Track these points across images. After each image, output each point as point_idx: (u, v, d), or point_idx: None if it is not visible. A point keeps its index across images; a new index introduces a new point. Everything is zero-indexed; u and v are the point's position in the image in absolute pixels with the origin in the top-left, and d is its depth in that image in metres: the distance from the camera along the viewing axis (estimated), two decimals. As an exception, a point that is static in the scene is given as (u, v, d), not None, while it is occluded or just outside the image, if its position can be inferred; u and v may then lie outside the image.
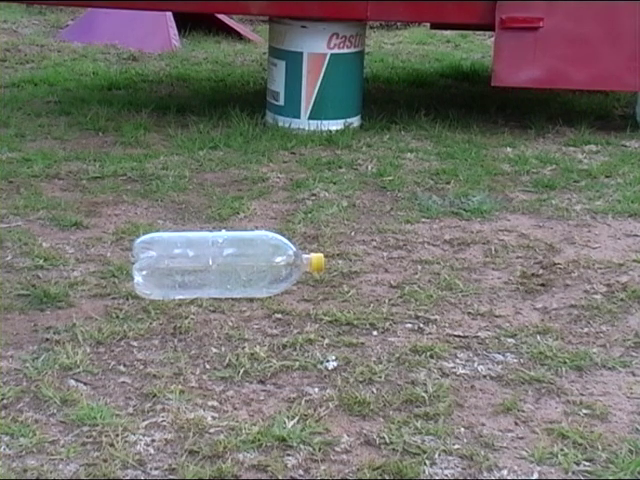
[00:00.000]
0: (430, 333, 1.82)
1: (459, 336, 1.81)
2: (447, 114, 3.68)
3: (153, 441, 1.43)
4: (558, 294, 2.04)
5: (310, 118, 3.25)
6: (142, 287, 1.93)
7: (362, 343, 1.77)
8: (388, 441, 1.44)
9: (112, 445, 1.40)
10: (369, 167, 2.96)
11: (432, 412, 1.52)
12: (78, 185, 2.72)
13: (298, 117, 3.26)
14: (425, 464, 1.39)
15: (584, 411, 1.55)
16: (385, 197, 2.70)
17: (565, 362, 1.71)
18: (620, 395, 1.61)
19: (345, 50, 3.25)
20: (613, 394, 1.61)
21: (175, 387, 1.58)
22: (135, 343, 1.75)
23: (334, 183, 2.73)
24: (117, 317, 1.84)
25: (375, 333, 1.82)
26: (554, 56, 3.36)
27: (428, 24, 5.44)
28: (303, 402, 1.55)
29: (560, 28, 3.34)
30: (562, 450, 1.43)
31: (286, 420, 1.48)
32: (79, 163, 2.96)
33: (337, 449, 1.42)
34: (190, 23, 6.34)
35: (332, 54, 3.23)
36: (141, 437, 1.43)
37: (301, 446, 1.42)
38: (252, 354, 1.70)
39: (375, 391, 1.59)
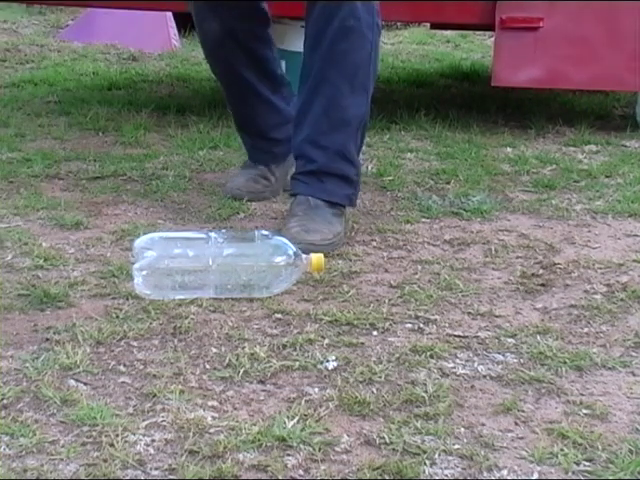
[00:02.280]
0: (430, 333, 1.82)
1: (459, 336, 1.81)
2: (447, 114, 3.68)
3: (153, 441, 1.43)
4: (558, 294, 2.04)
5: (310, 118, 3.25)
6: (142, 287, 1.93)
7: (362, 343, 1.78)
8: (388, 441, 1.44)
9: (112, 445, 1.40)
10: (369, 167, 2.96)
11: (432, 412, 1.52)
12: (78, 185, 2.72)
13: (298, 117, 3.26)
14: (425, 464, 1.39)
15: (584, 411, 1.55)
16: (385, 197, 2.70)
17: (565, 362, 1.71)
18: (620, 395, 1.61)
19: (345, 50, 3.25)
20: (613, 394, 1.61)
21: (175, 387, 1.58)
22: (135, 343, 1.75)
23: (334, 183, 2.73)
24: (117, 317, 1.84)
25: (375, 333, 1.82)
26: (554, 56, 3.37)
27: (428, 24, 5.44)
28: (303, 402, 1.55)
29: (560, 28, 3.34)
30: (562, 450, 1.43)
31: (286, 420, 1.48)
32: (79, 163, 2.96)
33: (337, 449, 1.42)
34: (190, 23, 6.34)
35: (332, 54, 3.22)
36: (141, 437, 1.43)
37: (301, 446, 1.42)
38: (252, 354, 1.70)
39: (375, 391, 1.59)
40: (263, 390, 1.59)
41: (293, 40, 3.25)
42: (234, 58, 2.54)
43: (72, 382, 1.59)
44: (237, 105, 2.67)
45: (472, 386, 1.62)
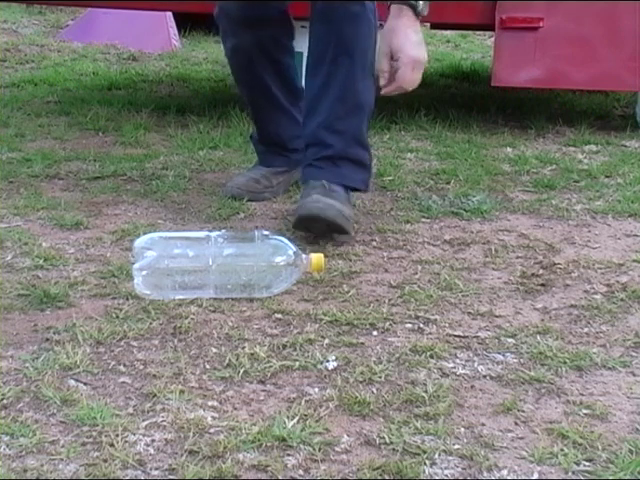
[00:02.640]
0: (430, 333, 1.82)
1: (459, 336, 1.81)
2: (447, 114, 3.68)
3: (153, 441, 1.43)
4: (558, 294, 2.04)
5: (310, 118, 3.24)
6: (142, 287, 1.93)
7: (362, 343, 1.78)
8: (388, 441, 1.44)
9: (112, 445, 1.40)
10: (369, 167, 2.96)
11: (432, 412, 1.52)
12: (78, 185, 2.72)
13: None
14: (425, 464, 1.39)
15: (584, 411, 1.55)
16: (385, 197, 2.70)
17: (565, 362, 1.71)
18: (620, 395, 1.61)
19: (345, 50, 3.25)
20: (613, 394, 1.61)
21: (175, 387, 1.58)
22: (135, 343, 1.75)
23: (334, 183, 2.72)
24: (117, 317, 1.84)
25: (375, 333, 1.82)
26: (554, 56, 3.37)
27: (428, 24, 5.44)
28: (303, 402, 1.55)
29: (560, 28, 3.34)
30: (562, 450, 1.43)
31: (286, 420, 1.48)
32: (79, 163, 2.96)
33: (337, 449, 1.42)
34: (190, 23, 6.34)
35: (332, 54, 3.22)
36: (141, 437, 1.43)
37: (301, 446, 1.42)
38: (252, 354, 1.70)
39: (375, 391, 1.59)
40: (263, 390, 1.59)
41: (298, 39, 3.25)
42: (262, 69, 2.57)
43: (72, 382, 1.59)
44: (259, 114, 2.69)
45: (472, 386, 1.62)
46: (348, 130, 2.34)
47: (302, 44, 3.23)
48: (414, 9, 2.14)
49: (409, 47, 2.14)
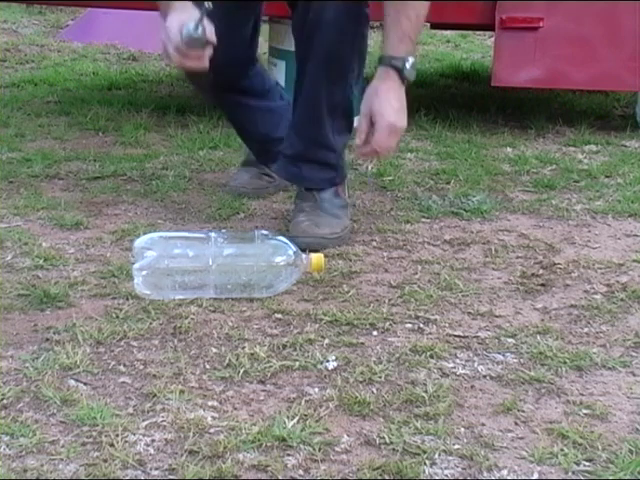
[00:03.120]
0: (430, 333, 1.82)
1: (459, 336, 1.81)
2: (447, 114, 3.68)
3: (153, 441, 1.43)
4: (558, 294, 2.04)
5: (310, 118, 3.24)
6: (142, 287, 1.93)
7: (362, 343, 1.78)
8: (388, 441, 1.44)
9: (112, 445, 1.40)
10: (369, 167, 2.96)
11: (432, 412, 1.52)
12: (78, 185, 2.72)
13: (298, 117, 3.25)
14: (425, 464, 1.39)
15: (584, 411, 1.55)
16: (385, 197, 2.70)
17: (565, 362, 1.71)
18: (620, 395, 1.61)
19: (345, 50, 3.24)
20: (613, 394, 1.61)
21: (175, 387, 1.58)
22: (135, 343, 1.75)
23: (334, 183, 2.72)
24: (117, 317, 1.84)
25: (375, 333, 1.82)
26: (554, 56, 3.37)
27: (428, 24, 5.44)
28: (303, 402, 1.55)
29: (560, 28, 3.34)
30: (562, 450, 1.43)
31: (286, 420, 1.48)
32: (79, 163, 2.96)
33: (337, 449, 1.42)
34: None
35: (332, 54, 3.22)
36: (141, 437, 1.43)
37: (301, 446, 1.42)
38: (252, 354, 1.70)
39: (375, 391, 1.59)
40: (263, 390, 1.59)
41: (293, 40, 3.25)
42: (228, 97, 2.58)
43: (72, 382, 1.59)
44: (236, 121, 2.69)
45: (472, 386, 1.63)
46: (310, 134, 2.34)
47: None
48: (400, 72, 2.11)
49: (388, 112, 2.12)
